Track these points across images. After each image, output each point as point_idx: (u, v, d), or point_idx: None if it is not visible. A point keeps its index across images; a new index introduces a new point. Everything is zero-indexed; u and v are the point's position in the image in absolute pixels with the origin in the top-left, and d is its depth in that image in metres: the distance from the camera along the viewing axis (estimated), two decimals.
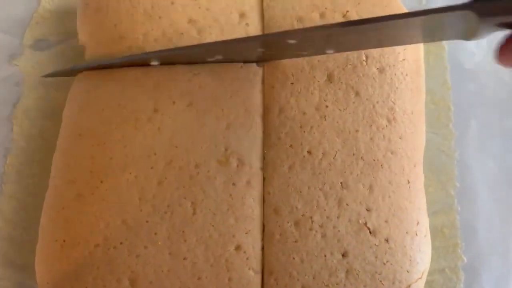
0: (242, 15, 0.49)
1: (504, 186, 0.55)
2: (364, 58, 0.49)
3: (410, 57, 0.51)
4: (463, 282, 0.52)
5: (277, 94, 0.47)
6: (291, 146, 0.46)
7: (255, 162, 0.45)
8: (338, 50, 0.45)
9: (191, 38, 0.48)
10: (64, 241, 0.43)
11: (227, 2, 0.49)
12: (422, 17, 0.36)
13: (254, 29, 0.49)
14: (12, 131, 0.54)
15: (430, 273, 0.50)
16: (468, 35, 0.37)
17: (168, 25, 0.48)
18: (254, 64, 0.48)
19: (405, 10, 0.53)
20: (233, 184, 0.44)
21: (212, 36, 0.48)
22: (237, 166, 0.45)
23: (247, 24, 0.49)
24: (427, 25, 0.38)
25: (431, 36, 0.43)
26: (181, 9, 0.48)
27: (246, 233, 0.43)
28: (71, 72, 0.50)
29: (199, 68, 0.47)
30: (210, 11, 0.49)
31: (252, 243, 0.43)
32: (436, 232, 0.52)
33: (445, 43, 0.61)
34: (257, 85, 0.47)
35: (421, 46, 0.53)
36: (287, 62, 0.48)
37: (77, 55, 0.55)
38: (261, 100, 0.47)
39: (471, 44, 0.61)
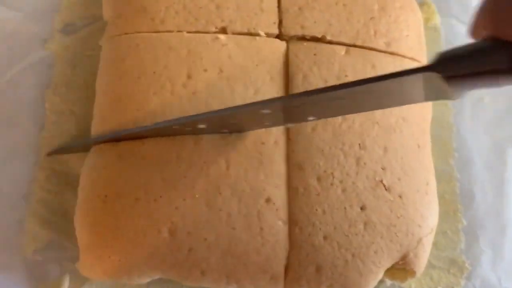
0: None
1: (495, 156, 0.61)
2: (373, 33, 0.54)
3: (412, 34, 0.56)
4: (464, 243, 0.57)
5: (301, 62, 0.51)
6: None
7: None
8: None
9: (209, 12, 0.52)
10: (106, 196, 0.46)
11: None
12: (385, 82, 0.33)
13: (269, 3, 0.53)
14: (45, 108, 0.58)
15: (434, 234, 0.55)
16: (447, 96, 0.33)
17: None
18: (277, 39, 0.53)
19: None
20: (262, 143, 0.48)
21: (229, 10, 0.52)
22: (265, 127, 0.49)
23: (261, 1, 0.53)
24: (394, 89, 0.36)
25: (401, 100, 0.39)
26: None
27: (275, 187, 0.47)
28: (76, 149, 0.54)
29: (226, 40, 0.51)
30: None
31: (280, 196, 0.47)
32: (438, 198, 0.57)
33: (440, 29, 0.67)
34: (280, 57, 0.51)
35: (421, 26, 0.59)
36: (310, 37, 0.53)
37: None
38: (284, 70, 0.51)
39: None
